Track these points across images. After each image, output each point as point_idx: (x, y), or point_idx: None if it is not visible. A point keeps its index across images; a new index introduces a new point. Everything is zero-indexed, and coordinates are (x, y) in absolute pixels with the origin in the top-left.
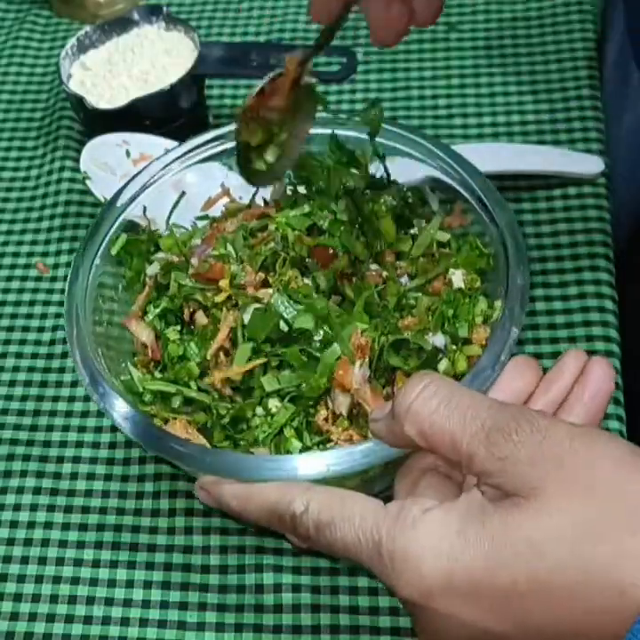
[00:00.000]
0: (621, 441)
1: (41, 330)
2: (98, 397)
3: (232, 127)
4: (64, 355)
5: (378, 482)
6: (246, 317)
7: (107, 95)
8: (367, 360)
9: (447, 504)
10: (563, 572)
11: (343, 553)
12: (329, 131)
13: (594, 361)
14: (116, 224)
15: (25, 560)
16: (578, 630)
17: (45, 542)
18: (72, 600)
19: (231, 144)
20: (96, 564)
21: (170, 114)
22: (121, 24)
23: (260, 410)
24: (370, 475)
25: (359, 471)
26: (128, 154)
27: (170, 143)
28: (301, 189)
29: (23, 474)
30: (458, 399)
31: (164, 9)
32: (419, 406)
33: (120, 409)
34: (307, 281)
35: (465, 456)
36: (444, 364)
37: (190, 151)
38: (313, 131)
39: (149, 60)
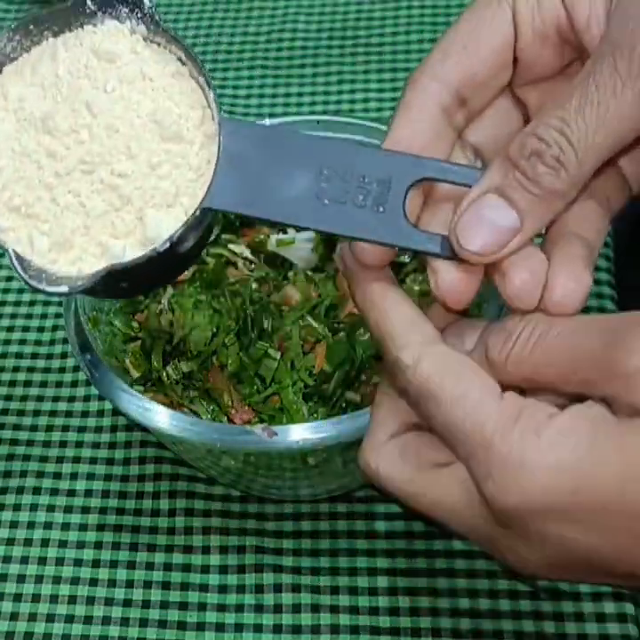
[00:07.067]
0: None
1: (41, 330)
2: (85, 364)
3: None
4: (64, 355)
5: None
6: None
7: (44, 227)
8: None
9: (574, 412)
10: None
11: (440, 430)
12: (337, 135)
13: None
14: None
15: (25, 560)
16: None
17: (45, 542)
18: (72, 600)
19: None
20: (96, 564)
21: (159, 281)
22: (57, 16)
23: None
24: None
25: (332, 444)
26: None
27: None
28: None
29: (23, 474)
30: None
31: (146, 2)
32: (519, 351)
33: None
34: None
35: (582, 385)
36: None
37: None
38: (321, 134)
39: (121, 109)
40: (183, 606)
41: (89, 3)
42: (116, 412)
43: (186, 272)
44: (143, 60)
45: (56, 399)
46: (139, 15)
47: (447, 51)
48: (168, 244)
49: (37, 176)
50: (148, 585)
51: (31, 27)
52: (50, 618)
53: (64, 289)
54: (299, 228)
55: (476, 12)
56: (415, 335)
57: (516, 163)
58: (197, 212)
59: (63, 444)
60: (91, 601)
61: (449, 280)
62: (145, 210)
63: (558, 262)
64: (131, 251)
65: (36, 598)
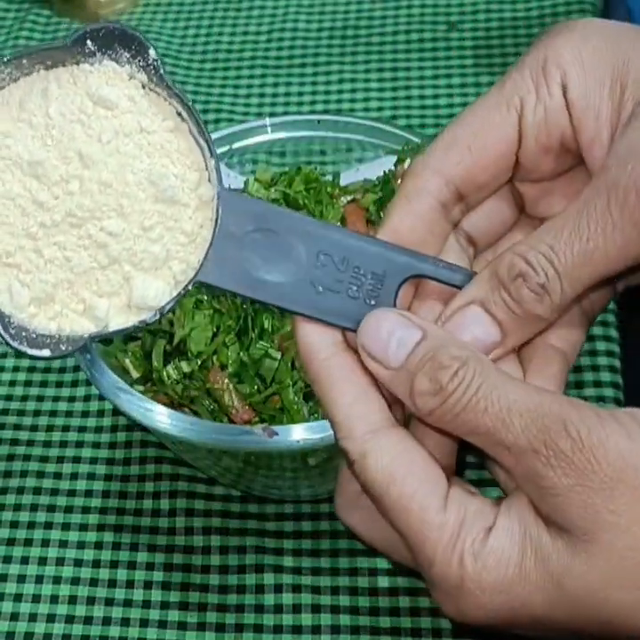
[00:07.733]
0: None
1: None
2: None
3: (233, 128)
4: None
5: None
6: None
7: (25, 279)
8: None
9: (507, 530)
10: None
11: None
12: (337, 135)
13: None
14: None
15: (25, 560)
16: None
17: (45, 542)
18: (72, 600)
19: (234, 145)
20: (96, 564)
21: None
22: (54, 53)
23: None
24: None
25: (332, 443)
26: None
27: None
28: None
29: (23, 474)
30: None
31: (151, 53)
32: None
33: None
34: None
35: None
36: None
37: None
38: (321, 133)
39: (116, 163)
40: (183, 606)
41: (89, 43)
42: (117, 411)
43: None
44: (141, 111)
45: (56, 399)
46: (141, 63)
47: (451, 147)
48: (158, 316)
49: (21, 223)
50: (148, 585)
51: (24, 61)
52: (50, 618)
53: (46, 353)
54: (289, 312)
55: (484, 112)
56: (359, 423)
57: (502, 281)
58: (190, 287)
59: (63, 444)
60: (91, 601)
61: None
62: (133, 272)
63: (532, 381)
64: (114, 312)
65: (36, 598)
